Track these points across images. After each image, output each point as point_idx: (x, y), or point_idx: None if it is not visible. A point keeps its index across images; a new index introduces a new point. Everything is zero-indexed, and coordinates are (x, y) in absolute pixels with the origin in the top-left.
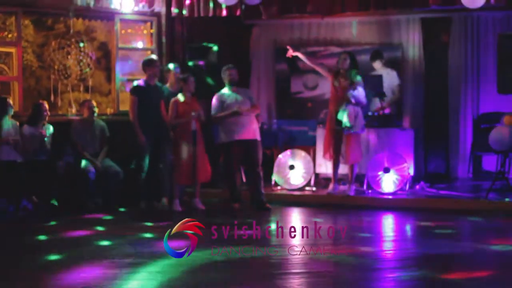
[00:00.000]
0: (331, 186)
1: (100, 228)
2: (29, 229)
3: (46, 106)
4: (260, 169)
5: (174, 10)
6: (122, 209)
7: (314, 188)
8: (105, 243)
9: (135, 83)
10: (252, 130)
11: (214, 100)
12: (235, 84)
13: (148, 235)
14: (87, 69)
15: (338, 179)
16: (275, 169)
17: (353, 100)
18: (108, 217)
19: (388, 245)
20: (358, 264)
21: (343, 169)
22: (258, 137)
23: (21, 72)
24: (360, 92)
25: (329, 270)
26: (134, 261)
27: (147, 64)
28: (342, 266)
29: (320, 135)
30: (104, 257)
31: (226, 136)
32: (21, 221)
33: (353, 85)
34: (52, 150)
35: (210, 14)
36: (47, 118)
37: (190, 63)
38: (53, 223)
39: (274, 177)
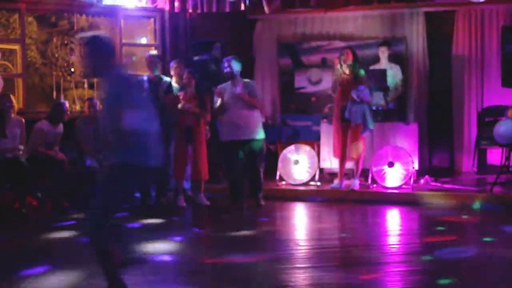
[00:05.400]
0: (336, 181)
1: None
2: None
3: (68, 106)
4: (259, 166)
5: (177, 6)
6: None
7: (318, 183)
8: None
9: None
10: (248, 129)
11: (215, 94)
12: (233, 77)
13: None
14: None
15: (344, 174)
16: (279, 164)
17: (357, 99)
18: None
19: (393, 239)
20: (363, 258)
21: (348, 163)
22: (257, 136)
23: (25, 69)
24: (363, 90)
25: (334, 264)
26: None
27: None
28: (347, 260)
29: (324, 129)
30: None
31: (225, 135)
32: (24, 218)
33: (356, 84)
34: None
35: (214, 9)
36: (66, 118)
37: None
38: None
39: (279, 172)
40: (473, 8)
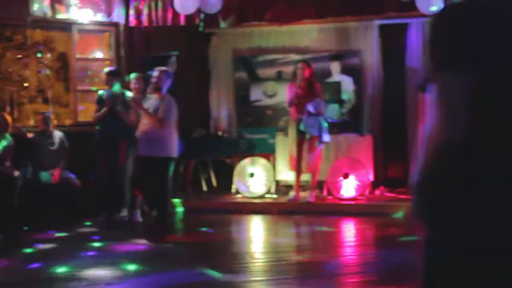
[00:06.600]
0: (292, 193)
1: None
2: None
3: (7, 118)
4: (162, 186)
5: (132, 20)
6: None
7: (275, 196)
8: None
9: (100, 92)
10: (150, 145)
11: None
12: (156, 90)
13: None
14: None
15: (299, 186)
16: (235, 177)
17: (313, 112)
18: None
19: (348, 250)
20: (320, 270)
21: (304, 175)
22: (159, 153)
23: None
24: (319, 103)
25: (291, 276)
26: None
27: (108, 75)
28: (302, 272)
29: (280, 142)
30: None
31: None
32: None
33: (312, 97)
34: (11, 163)
35: (169, 23)
36: (8, 130)
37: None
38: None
39: (235, 185)
40: (426, 20)
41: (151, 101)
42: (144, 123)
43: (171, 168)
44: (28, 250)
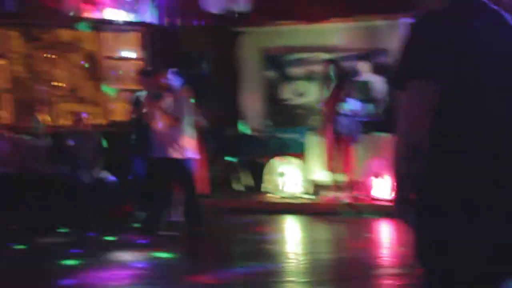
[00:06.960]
0: (327, 193)
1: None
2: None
3: (39, 118)
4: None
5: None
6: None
7: (306, 195)
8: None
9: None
10: (171, 146)
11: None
12: (169, 91)
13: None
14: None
15: (333, 186)
16: (266, 177)
17: (347, 112)
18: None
19: (385, 252)
20: (356, 272)
21: (337, 175)
22: (173, 155)
23: (12, 84)
24: (352, 102)
25: (327, 278)
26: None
27: (139, 75)
28: (339, 274)
29: (311, 141)
30: None
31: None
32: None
33: (344, 96)
34: (48, 162)
35: (199, 22)
36: (43, 129)
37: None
38: None
39: (265, 185)
40: None
41: (165, 101)
42: (160, 124)
43: (192, 168)
44: (68, 262)
